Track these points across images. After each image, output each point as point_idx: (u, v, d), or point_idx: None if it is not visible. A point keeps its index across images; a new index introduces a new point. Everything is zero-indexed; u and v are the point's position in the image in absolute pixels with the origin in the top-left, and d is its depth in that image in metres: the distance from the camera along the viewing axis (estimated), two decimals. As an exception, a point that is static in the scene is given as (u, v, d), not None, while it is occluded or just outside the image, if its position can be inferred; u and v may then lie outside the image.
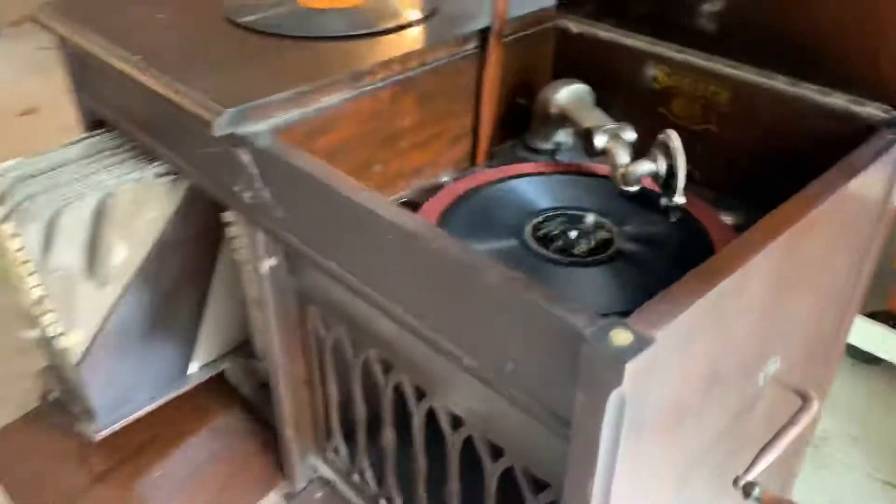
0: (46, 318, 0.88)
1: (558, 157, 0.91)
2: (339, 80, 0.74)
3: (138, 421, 1.02)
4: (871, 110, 0.72)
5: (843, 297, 0.77)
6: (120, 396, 0.97)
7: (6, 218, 0.83)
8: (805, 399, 0.65)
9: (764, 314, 0.60)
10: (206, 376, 1.06)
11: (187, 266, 0.96)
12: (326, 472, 0.93)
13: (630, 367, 0.44)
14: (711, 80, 0.82)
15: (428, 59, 0.81)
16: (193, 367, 1.05)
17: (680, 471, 0.61)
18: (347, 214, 0.61)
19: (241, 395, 1.08)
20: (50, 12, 0.91)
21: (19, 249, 0.84)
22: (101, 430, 0.97)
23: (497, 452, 0.66)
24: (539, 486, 0.63)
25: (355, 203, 0.60)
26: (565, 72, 0.92)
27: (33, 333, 1.01)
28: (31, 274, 0.85)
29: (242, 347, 1.08)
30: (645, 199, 0.79)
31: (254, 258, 0.76)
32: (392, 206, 0.59)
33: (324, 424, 0.90)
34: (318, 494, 0.95)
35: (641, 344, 0.45)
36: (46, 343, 0.97)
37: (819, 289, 0.69)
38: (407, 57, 0.79)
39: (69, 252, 0.85)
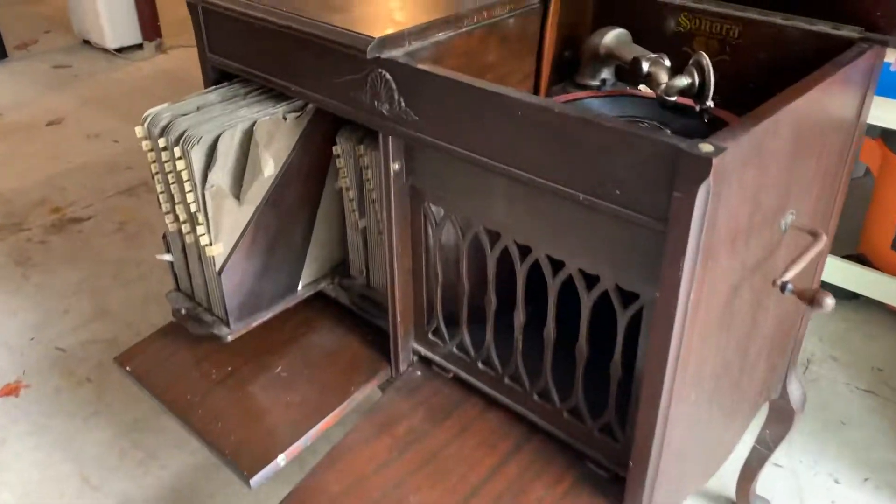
0: (199, 230, 1.08)
1: (603, 90, 1.15)
2: (448, 19, 0.97)
3: (251, 333, 1.22)
4: (847, 32, 0.97)
5: (836, 176, 1.01)
6: (248, 304, 1.17)
7: (174, 144, 1.03)
8: (815, 236, 0.88)
9: (786, 164, 0.83)
10: (310, 293, 1.26)
11: (302, 192, 1.17)
12: (426, 352, 1.13)
13: (715, 163, 0.67)
14: (725, 21, 1.06)
15: (508, 10, 1.04)
16: (300, 285, 1.25)
17: (733, 282, 0.83)
18: (480, 103, 0.83)
19: (336, 308, 1.28)
20: (187, -13, 1.12)
21: (183, 170, 1.04)
22: (233, 332, 1.16)
23: (589, 286, 0.88)
24: (626, 301, 0.85)
25: (491, 92, 0.82)
26: (603, 26, 1.16)
27: (167, 257, 1.21)
28: (189, 191, 1.05)
29: (337, 269, 1.28)
30: (678, 110, 1.03)
31: (385, 163, 0.98)
32: (517, 90, 0.81)
33: (425, 312, 1.11)
34: (418, 373, 1.15)
35: (719, 149, 0.68)
36: (185, 262, 1.17)
37: (821, 156, 0.92)
38: (493, 6, 1.02)
39: (222, 172, 1.05)
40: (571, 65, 1.20)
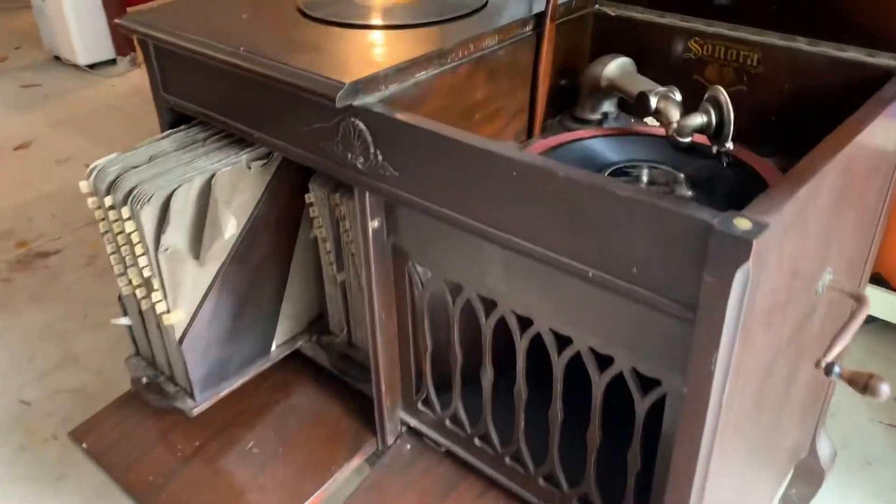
0: (154, 296, 0.95)
1: (605, 125, 1.03)
2: (431, 56, 0.85)
3: (222, 400, 1.09)
4: (884, 59, 0.85)
5: (873, 220, 0.89)
6: (214, 373, 1.05)
7: (122, 203, 0.90)
8: (859, 300, 0.76)
9: (826, 221, 0.72)
10: (285, 353, 1.13)
11: (273, 245, 1.04)
12: (416, 423, 1.01)
13: (756, 244, 0.55)
14: (741, 47, 0.95)
15: (496, 40, 0.92)
16: (274, 345, 1.12)
17: (767, 360, 0.72)
18: (468, 161, 0.71)
19: (315, 368, 1.16)
20: (136, 20, 0.99)
21: (133, 231, 0.92)
22: (199, 405, 1.04)
23: (601, 366, 0.76)
24: (644, 386, 0.73)
25: (480, 149, 0.70)
26: (602, 52, 1.03)
27: (124, 321, 1.09)
28: (142, 255, 0.93)
29: (315, 324, 1.16)
30: (693, 151, 0.91)
31: (362, 220, 0.85)
32: (515, 148, 0.69)
33: (413, 379, 0.99)
34: (408, 447, 1.03)
35: (760, 227, 0.56)
36: (143, 326, 1.05)
37: (860, 208, 0.81)
38: (481, 38, 0.90)
39: (178, 232, 0.93)
40: (569, 93, 1.08)
